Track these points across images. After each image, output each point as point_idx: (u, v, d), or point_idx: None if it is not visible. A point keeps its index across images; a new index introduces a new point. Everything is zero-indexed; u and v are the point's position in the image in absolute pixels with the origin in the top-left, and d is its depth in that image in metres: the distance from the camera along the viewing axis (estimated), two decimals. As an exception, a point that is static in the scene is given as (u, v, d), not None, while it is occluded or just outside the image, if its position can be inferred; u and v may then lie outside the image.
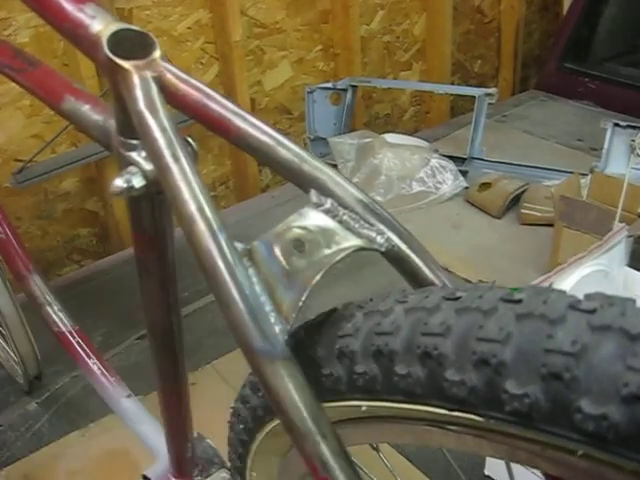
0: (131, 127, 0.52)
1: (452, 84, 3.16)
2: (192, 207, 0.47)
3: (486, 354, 0.36)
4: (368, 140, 2.55)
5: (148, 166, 0.53)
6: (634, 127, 2.37)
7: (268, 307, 0.46)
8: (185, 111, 0.53)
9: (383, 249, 0.48)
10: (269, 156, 0.52)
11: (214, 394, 1.64)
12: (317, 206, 0.48)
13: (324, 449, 0.43)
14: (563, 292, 0.38)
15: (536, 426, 0.35)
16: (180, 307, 0.72)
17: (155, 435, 1.00)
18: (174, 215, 0.48)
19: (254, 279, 0.46)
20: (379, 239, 0.48)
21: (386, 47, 2.97)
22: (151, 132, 0.48)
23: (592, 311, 0.34)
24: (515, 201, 2.37)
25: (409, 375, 0.40)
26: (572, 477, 0.37)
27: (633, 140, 2.35)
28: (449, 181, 2.48)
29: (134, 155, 0.54)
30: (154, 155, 0.49)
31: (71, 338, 1.06)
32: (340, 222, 0.48)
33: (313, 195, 0.49)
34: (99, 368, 1.04)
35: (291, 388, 0.44)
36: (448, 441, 0.43)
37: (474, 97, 2.56)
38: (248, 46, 2.51)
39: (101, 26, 0.50)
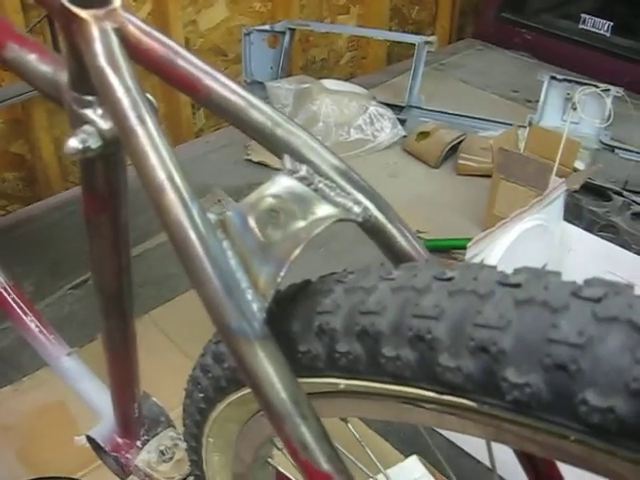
0: (86, 82, 0.48)
1: (389, 30, 3.12)
2: (161, 175, 0.43)
3: (485, 341, 0.35)
4: (306, 86, 2.50)
5: (105, 125, 0.49)
6: (570, 81, 2.40)
7: (244, 283, 0.43)
8: (148, 67, 0.49)
9: (360, 219, 0.46)
10: (240, 118, 0.49)
11: (152, 345, 1.61)
12: (292, 173, 0.46)
13: (304, 431, 0.41)
14: (559, 274, 0.37)
15: (535, 414, 0.34)
16: (131, 267, 0.68)
17: (99, 394, 0.97)
18: (144, 185, 0.44)
19: (229, 253, 0.43)
20: (356, 209, 0.46)
21: (324, -10, 2.90)
22: (113, 91, 0.44)
23: (597, 300, 0.33)
24: (452, 151, 2.37)
25: (398, 358, 0.39)
26: (561, 460, 0.36)
27: (569, 94, 2.38)
28: (387, 129, 2.46)
29: (89, 113, 0.49)
30: (117, 117, 0.45)
31: (6, 294, 1.01)
32: (316, 190, 0.45)
33: (287, 161, 0.46)
34: (37, 326, 1.00)
35: (270, 370, 0.42)
36: (430, 420, 0.42)
37: (412, 44, 2.53)
38: (183, -17, 2.40)
39: (55, -30, 0.45)
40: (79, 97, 0.50)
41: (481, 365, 0.35)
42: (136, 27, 0.47)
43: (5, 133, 2.16)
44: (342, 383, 0.44)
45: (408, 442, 1.39)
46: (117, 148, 0.51)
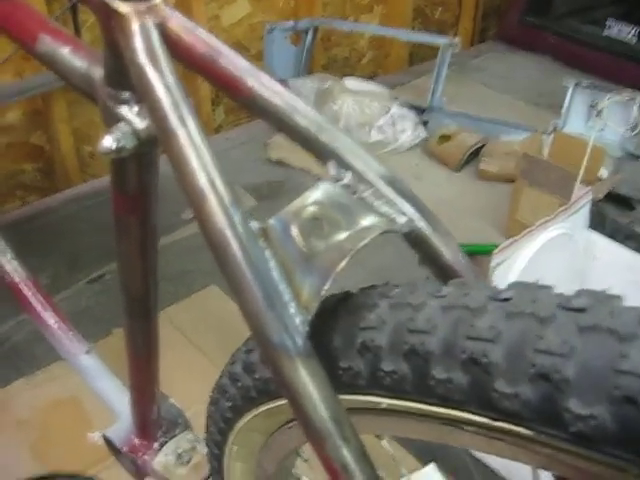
0: (123, 78, 0.46)
1: (412, 29, 3.10)
2: (202, 180, 0.41)
3: (547, 368, 0.33)
4: (328, 84, 2.48)
5: (141, 124, 0.47)
6: (595, 87, 2.37)
7: (287, 295, 0.41)
8: (189, 65, 0.47)
9: (405, 230, 0.44)
10: (283, 122, 0.47)
11: (167, 342, 1.60)
12: (336, 180, 0.44)
13: (345, 453, 0.39)
14: (621, 298, 0.35)
15: (598, 448, 0.32)
16: (158, 267, 0.66)
17: (117, 394, 0.95)
18: (183, 190, 0.42)
19: (271, 263, 0.41)
20: (401, 219, 0.44)
21: (348, -13, 2.88)
22: (153, 90, 0.42)
23: None
24: (474, 155, 2.35)
25: (449, 380, 0.37)
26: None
27: (594, 100, 2.35)
28: (409, 131, 2.44)
29: (125, 110, 0.48)
30: (156, 117, 0.43)
31: (25, 290, 0.99)
32: (360, 199, 0.43)
33: (331, 167, 0.44)
34: (56, 322, 0.98)
35: (312, 387, 0.40)
36: (476, 444, 0.40)
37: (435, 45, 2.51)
38: (208, -20, 2.39)
39: (93, -37, 0.43)
40: (115, 93, 0.48)
41: (541, 393, 0.33)
42: (178, 23, 0.46)
43: (24, 124, 2.15)
44: (384, 402, 0.42)
45: (425, 449, 1.37)
46: (151, 147, 0.49)
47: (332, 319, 0.44)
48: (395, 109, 2.45)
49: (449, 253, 0.47)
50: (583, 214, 1.51)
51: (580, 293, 0.35)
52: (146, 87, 0.42)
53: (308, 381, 0.40)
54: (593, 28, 2.98)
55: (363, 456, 0.40)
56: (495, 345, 0.35)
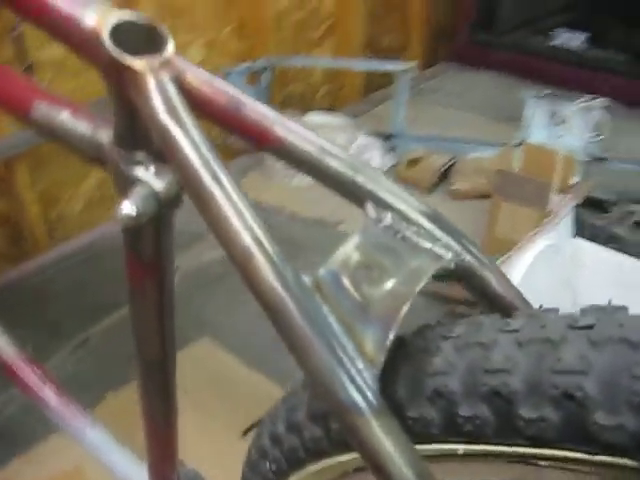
0: (137, 138, 0.43)
1: (364, 59, 3.12)
2: (246, 239, 0.39)
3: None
4: (291, 122, 2.47)
5: (160, 184, 0.44)
6: (553, 96, 2.40)
7: (351, 350, 0.38)
8: (211, 118, 0.44)
9: (453, 266, 0.42)
10: (316, 167, 0.45)
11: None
12: (377, 222, 0.42)
13: None
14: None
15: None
16: (175, 333, 0.63)
17: (131, 466, 0.91)
18: (226, 251, 0.40)
19: (331, 318, 0.39)
20: (448, 254, 0.42)
21: (298, 24, 2.89)
22: (181, 150, 0.40)
23: None
24: (444, 176, 2.36)
25: (541, 419, 0.35)
26: None
27: (553, 109, 2.38)
28: (377, 159, 2.44)
29: (140, 172, 0.45)
30: (187, 178, 0.40)
31: (20, 366, 0.95)
32: (404, 239, 0.41)
33: (371, 209, 0.42)
34: (56, 397, 0.94)
35: (391, 446, 0.37)
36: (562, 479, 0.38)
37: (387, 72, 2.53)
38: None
39: (97, 17, 0.41)
40: (128, 155, 0.45)
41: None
42: (194, 75, 0.43)
43: (-13, 191, 2.10)
44: (461, 448, 0.39)
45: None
46: (171, 210, 0.47)
47: (394, 368, 0.42)
48: (361, 139, 2.46)
49: (498, 283, 0.45)
50: (567, 223, 1.52)
51: None
52: (172, 147, 0.40)
53: (386, 439, 0.37)
54: (541, 39, 3.05)
55: None
56: (587, 377, 0.33)
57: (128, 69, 0.40)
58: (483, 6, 3.22)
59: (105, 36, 0.39)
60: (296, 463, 0.52)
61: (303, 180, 2.37)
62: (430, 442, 0.41)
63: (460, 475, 0.43)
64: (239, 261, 0.39)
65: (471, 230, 2.12)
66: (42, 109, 0.51)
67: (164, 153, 0.41)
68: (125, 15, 0.40)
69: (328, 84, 3.13)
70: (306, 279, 0.40)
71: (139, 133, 0.43)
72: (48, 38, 0.44)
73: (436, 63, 3.46)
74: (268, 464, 0.55)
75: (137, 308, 0.58)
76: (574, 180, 2.13)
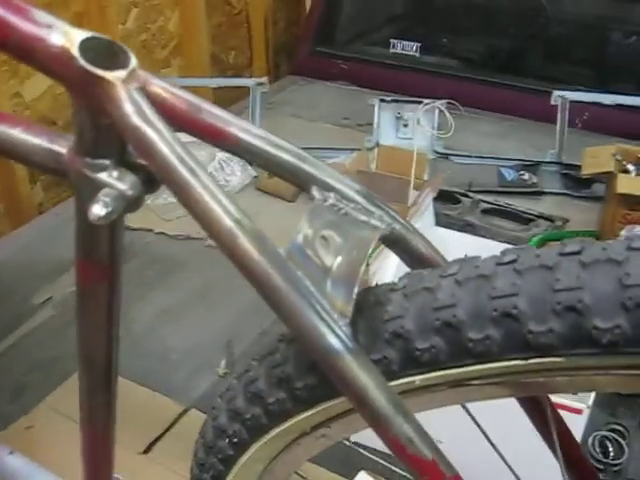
0: (101, 145, 0.48)
1: (211, 77, 3.18)
2: (228, 221, 0.45)
3: (571, 301, 0.41)
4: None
5: (124, 186, 0.49)
6: (397, 101, 2.59)
7: (327, 305, 0.46)
8: (174, 123, 0.50)
9: (388, 232, 0.50)
10: (268, 159, 0.52)
11: (58, 434, 1.53)
12: (323, 202, 0.49)
13: (408, 428, 0.45)
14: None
15: (623, 351, 0.40)
16: (119, 338, 0.67)
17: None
18: (211, 235, 0.46)
19: (306, 281, 0.46)
20: (381, 224, 0.50)
21: (143, 45, 2.91)
22: (157, 149, 0.45)
23: None
24: (305, 183, 2.46)
25: (486, 338, 0.44)
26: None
27: (399, 113, 2.57)
28: (238, 172, 2.51)
29: (105, 176, 0.50)
30: (167, 174, 0.46)
31: None
32: (346, 214, 0.49)
33: (316, 192, 0.50)
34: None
35: (370, 380, 0.45)
36: (507, 390, 0.47)
37: (235, 88, 2.62)
38: (1, 56, 2.31)
39: (63, 36, 0.45)
40: (92, 162, 0.50)
41: (570, 322, 0.41)
42: (157, 85, 0.49)
43: None
44: (417, 379, 0.48)
45: (344, 463, 1.42)
46: (134, 209, 0.52)
47: (353, 322, 0.50)
48: (220, 154, 2.51)
49: (424, 246, 0.54)
50: (429, 214, 1.66)
51: (571, 242, 0.44)
52: (149, 148, 0.45)
53: (364, 374, 0.45)
54: (379, 49, 3.24)
55: (420, 428, 0.46)
56: (520, 297, 0.43)
57: (100, 81, 0.45)
58: (322, 20, 3.37)
59: (75, 52, 0.44)
60: (259, 430, 0.58)
61: (168, 199, 2.39)
62: (392, 379, 0.49)
63: (417, 406, 0.51)
64: (225, 242, 0.45)
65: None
66: (-4, 128, 0.54)
67: (141, 154, 0.46)
68: (89, 33, 0.45)
69: (178, 103, 3.15)
70: (281, 251, 0.47)
71: (104, 141, 0.48)
72: None
73: (280, 77, 3.58)
74: (227, 439, 0.61)
75: (86, 313, 0.62)
76: (426, 176, 2.31)
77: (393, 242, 0.54)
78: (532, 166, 2.47)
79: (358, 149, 2.49)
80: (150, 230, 2.29)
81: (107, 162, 0.49)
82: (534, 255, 0.44)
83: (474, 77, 3.00)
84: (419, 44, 3.08)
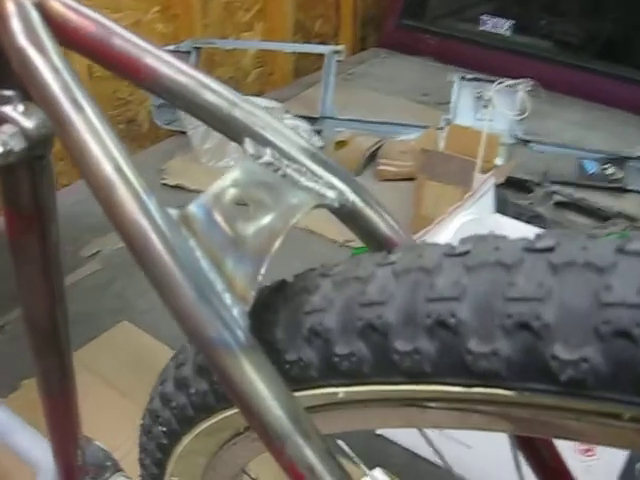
0: (3, 74, 0.40)
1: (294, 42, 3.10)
2: (107, 167, 0.36)
3: (526, 316, 0.30)
4: (218, 104, 2.43)
5: (29, 123, 0.42)
6: (479, 79, 2.43)
7: (220, 286, 0.36)
8: (77, 48, 0.42)
9: (336, 205, 0.40)
10: (191, 101, 0.42)
11: (82, 386, 1.50)
12: (255, 158, 0.39)
13: (309, 453, 0.34)
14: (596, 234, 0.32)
15: (592, 395, 0.29)
16: (66, 296, 0.60)
17: (35, 444, 0.87)
18: (87, 183, 0.37)
19: (197, 253, 0.37)
20: (331, 193, 0.40)
21: (226, 7, 2.85)
22: (39, 74, 0.37)
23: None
24: (371, 158, 2.36)
25: (416, 351, 0.33)
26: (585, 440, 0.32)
27: (479, 92, 2.41)
28: (304, 142, 2.42)
29: (9, 110, 0.42)
30: (47, 104, 0.37)
31: None
32: (284, 176, 0.39)
33: (249, 145, 0.40)
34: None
35: (261, 385, 0.35)
36: (449, 421, 0.36)
37: (317, 57, 2.52)
38: (78, 7, 2.30)
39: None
40: (-6, 92, 0.42)
41: (522, 345, 0.30)
42: (59, 1, 0.40)
43: None
44: (341, 391, 0.38)
45: (362, 455, 1.33)
46: (44, 151, 0.44)
47: (271, 310, 0.40)
48: (287, 121, 2.43)
49: (385, 225, 0.44)
50: (488, 199, 1.53)
51: (545, 234, 0.33)
52: (31, 73, 0.37)
53: (256, 377, 0.35)
54: (469, 25, 3.08)
55: (329, 454, 0.35)
56: (461, 303, 0.32)
57: (-15, -7, 0.37)
58: (413, -6, 3.24)
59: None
60: (186, 422, 0.50)
61: (230, 163, 2.34)
62: (311, 387, 0.39)
63: (344, 423, 0.42)
64: (100, 192, 0.36)
65: (398, 209, 2.12)
66: None
67: (25, 81, 0.38)
68: None
69: (258, 68, 3.09)
70: (172, 212, 0.37)
71: (6, 69, 0.40)
72: None
73: (366, 49, 3.47)
74: (160, 427, 0.53)
75: (20, 270, 0.55)
76: (498, 161, 2.16)
77: (347, 217, 0.43)
78: (618, 160, 2.27)
79: (440, 128, 2.36)
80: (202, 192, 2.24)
81: (11, 94, 0.42)
82: (493, 247, 0.33)
83: (568, 62, 2.80)
84: (511, 22, 2.90)
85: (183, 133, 2.44)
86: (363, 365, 0.36)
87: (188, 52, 2.55)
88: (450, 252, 0.35)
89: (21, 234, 0.51)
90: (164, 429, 0.52)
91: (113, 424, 1.31)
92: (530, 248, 0.32)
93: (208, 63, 2.81)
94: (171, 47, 2.52)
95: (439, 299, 0.33)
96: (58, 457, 0.78)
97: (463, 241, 0.35)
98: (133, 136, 2.61)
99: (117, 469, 0.87)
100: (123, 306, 1.76)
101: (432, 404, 0.36)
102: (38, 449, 0.87)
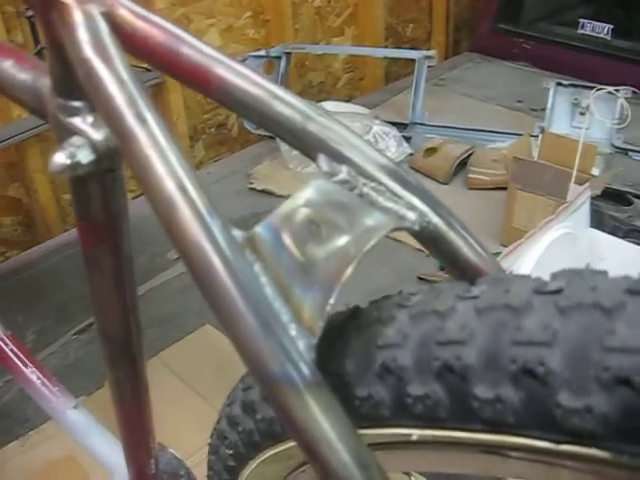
0: (73, 85, 0.39)
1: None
2: (170, 186, 0.34)
3: (626, 370, 0.26)
4: (306, 109, 2.42)
5: (98, 135, 0.40)
6: (576, 85, 2.33)
7: (285, 316, 0.34)
8: (146, 58, 0.40)
9: (417, 227, 0.37)
10: (263, 113, 0.40)
11: (162, 388, 1.52)
12: (330, 176, 0.37)
13: None
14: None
15: (599, 444, 0.25)
16: (138, 305, 0.59)
17: (110, 449, 0.87)
18: (149, 201, 0.35)
19: (262, 279, 0.34)
20: (411, 215, 0.37)
21: (317, 12, 2.84)
22: (104, 87, 0.35)
23: None
24: (462, 165, 2.30)
25: (498, 400, 0.30)
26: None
27: (576, 99, 2.31)
28: (393, 148, 2.39)
29: (78, 122, 0.41)
30: (110, 117, 0.36)
31: (3, 346, 0.91)
32: (361, 195, 0.37)
33: (323, 162, 0.38)
34: (39, 378, 0.90)
35: (327, 425, 0.32)
36: (531, 474, 0.32)
37: (408, 62, 2.47)
38: (173, 14, 2.34)
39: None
40: (64, 103, 0.41)
41: (621, 402, 0.26)
42: (128, 10, 0.39)
43: (0, 177, 2.09)
44: (415, 433, 0.34)
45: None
46: (114, 163, 0.42)
47: (341, 340, 0.37)
48: (377, 127, 2.40)
49: (470, 250, 0.40)
50: (584, 212, 1.45)
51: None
52: (96, 85, 0.36)
53: (322, 417, 0.32)
54: (566, 29, 2.96)
55: None
56: (552, 349, 0.28)
57: (56, 2, 0.36)
58: (508, -3, 3.14)
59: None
60: (253, 447, 0.47)
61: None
62: (382, 426, 0.36)
63: (416, 465, 0.38)
64: (161, 211, 0.34)
65: (488, 220, 2.06)
66: (-15, 59, 0.47)
67: (89, 93, 0.37)
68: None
69: (349, 73, 3.07)
70: (237, 234, 0.35)
71: (75, 79, 0.39)
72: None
73: (458, 53, 3.39)
74: (227, 449, 0.51)
75: (94, 280, 0.54)
76: (594, 171, 2.06)
77: (428, 241, 0.39)
78: None
79: (534, 135, 2.28)
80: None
81: (80, 105, 0.40)
82: (590, 287, 0.29)
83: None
84: (612, 26, 2.76)
85: (272, 138, 2.44)
86: (439, 409, 0.32)
87: (279, 57, 2.56)
88: (541, 289, 0.31)
89: (93, 245, 0.50)
90: (231, 452, 0.50)
91: (189, 430, 1.32)
92: (635, 290, 0.28)
93: (299, 68, 2.81)
94: (262, 52, 2.54)
95: (527, 343, 0.29)
96: (131, 464, 0.78)
97: (555, 276, 0.31)
98: (223, 140, 2.64)
99: (190, 478, 0.86)
100: (206, 309, 1.77)
101: (515, 454, 0.32)
102: (113, 453, 0.87)
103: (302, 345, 0.33)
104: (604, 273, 0.31)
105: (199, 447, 1.25)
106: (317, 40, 2.87)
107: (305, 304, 0.34)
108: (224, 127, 2.64)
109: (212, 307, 0.34)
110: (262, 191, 2.23)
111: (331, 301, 0.33)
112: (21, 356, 0.93)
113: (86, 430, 0.90)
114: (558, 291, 0.30)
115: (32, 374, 0.92)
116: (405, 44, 3.27)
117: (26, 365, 0.93)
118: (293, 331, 0.33)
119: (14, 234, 2.18)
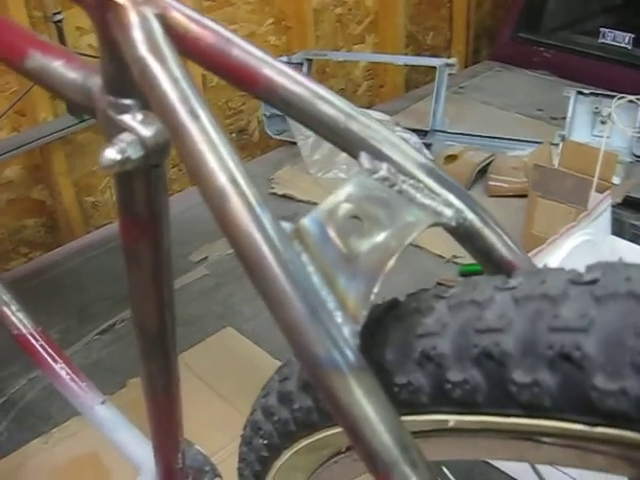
0: (125, 83, 0.41)
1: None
2: (222, 179, 0.36)
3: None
4: (327, 115, 2.44)
5: (147, 131, 0.42)
6: (596, 94, 2.33)
7: (331, 304, 0.35)
8: (196, 58, 0.42)
9: (453, 223, 0.39)
10: (306, 112, 0.42)
11: (184, 389, 1.54)
12: (371, 173, 0.38)
13: None
14: None
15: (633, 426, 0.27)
16: (174, 301, 0.61)
17: (138, 444, 0.89)
18: (201, 193, 0.37)
19: (309, 268, 0.36)
20: (448, 211, 0.38)
21: (338, 19, 2.87)
22: (158, 84, 0.37)
23: None
24: (482, 173, 2.30)
25: (535, 384, 0.31)
26: None
27: (597, 108, 2.31)
28: (412, 155, 2.40)
29: (128, 119, 0.43)
30: (164, 113, 0.38)
31: (33, 341, 0.94)
32: (400, 192, 0.38)
33: (364, 159, 0.39)
34: (67, 373, 0.92)
35: (371, 408, 0.34)
36: (566, 459, 0.34)
37: (428, 70, 2.49)
38: None
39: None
40: (115, 101, 0.43)
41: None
42: (180, 12, 0.41)
43: (24, 179, 2.12)
44: (451, 419, 0.36)
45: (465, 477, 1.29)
46: (160, 159, 0.44)
47: (382, 329, 0.39)
48: (397, 130, 2.42)
49: (504, 246, 0.42)
50: (604, 220, 1.46)
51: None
52: (150, 82, 0.37)
53: (365, 400, 0.34)
54: (587, 38, 2.96)
55: None
56: (588, 335, 0.30)
57: (112, 4, 0.38)
58: (531, 6, 3.14)
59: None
60: (288, 437, 0.49)
61: (338, 174, 2.34)
62: (420, 413, 0.37)
63: (451, 453, 0.40)
64: (213, 202, 0.36)
65: (508, 227, 2.05)
66: (36, 58, 0.49)
67: (144, 90, 0.39)
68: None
69: (369, 81, 3.09)
70: (286, 226, 0.37)
71: (126, 78, 0.41)
72: (88, 25, 0.42)
73: (479, 61, 3.40)
74: (260, 440, 0.52)
75: (132, 274, 0.56)
76: (615, 180, 2.06)
77: (463, 237, 0.41)
78: None
79: (555, 143, 2.28)
80: (316, 204, 2.25)
81: (131, 102, 0.42)
82: (624, 277, 0.31)
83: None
84: (633, 35, 2.76)
85: (293, 143, 2.46)
86: (477, 394, 0.34)
87: (300, 64, 2.58)
88: (576, 280, 0.32)
89: (134, 239, 0.52)
90: (265, 442, 0.52)
91: (211, 429, 1.33)
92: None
93: (320, 75, 2.83)
94: (283, 59, 2.56)
95: (563, 329, 0.30)
96: (159, 458, 0.80)
97: (590, 268, 0.33)
98: (244, 145, 2.66)
99: (215, 474, 0.88)
100: (228, 312, 1.79)
101: (549, 440, 0.34)
102: (140, 449, 0.89)
103: (347, 331, 0.35)
104: (637, 265, 0.33)
105: (221, 446, 1.26)
106: (338, 47, 2.89)
107: (349, 293, 0.35)
108: (245, 132, 2.66)
109: (262, 294, 0.36)
110: (283, 196, 2.25)
111: (375, 290, 0.35)
112: (51, 352, 0.95)
113: (114, 426, 0.92)
114: (594, 281, 0.32)
115: (61, 370, 0.94)
116: (425, 52, 3.29)
117: (55, 361, 0.95)
118: (339, 318, 0.35)
119: (37, 236, 2.21)
